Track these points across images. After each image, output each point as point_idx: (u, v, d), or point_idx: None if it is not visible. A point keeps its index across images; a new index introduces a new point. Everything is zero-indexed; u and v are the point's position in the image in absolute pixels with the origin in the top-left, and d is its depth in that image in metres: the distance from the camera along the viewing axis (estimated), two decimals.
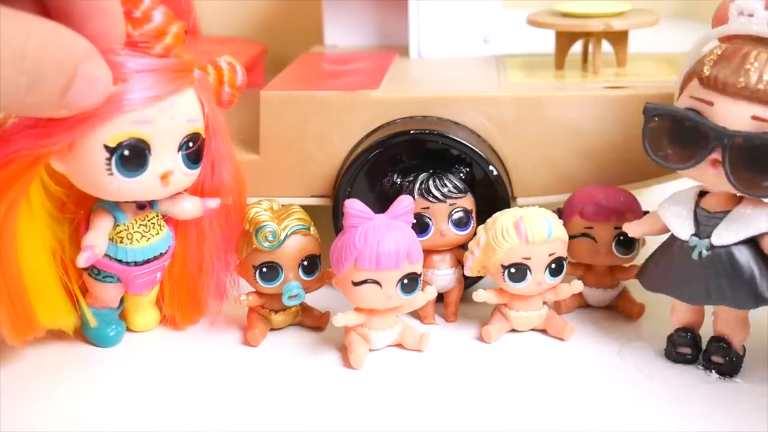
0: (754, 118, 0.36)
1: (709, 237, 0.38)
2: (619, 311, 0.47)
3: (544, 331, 0.45)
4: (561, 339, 0.44)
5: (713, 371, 0.40)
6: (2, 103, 0.33)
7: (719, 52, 0.37)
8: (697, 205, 0.40)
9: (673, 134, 0.39)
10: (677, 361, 0.41)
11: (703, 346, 0.41)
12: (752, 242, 0.38)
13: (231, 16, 0.78)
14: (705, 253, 0.39)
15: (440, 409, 0.39)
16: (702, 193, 0.40)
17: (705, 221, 0.39)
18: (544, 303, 0.44)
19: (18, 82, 0.32)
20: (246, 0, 0.78)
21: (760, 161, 0.36)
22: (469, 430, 0.37)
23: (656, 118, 0.39)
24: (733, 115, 0.36)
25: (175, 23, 0.39)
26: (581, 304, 0.48)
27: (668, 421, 0.37)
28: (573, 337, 0.44)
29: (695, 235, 0.39)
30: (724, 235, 0.38)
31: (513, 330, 0.45)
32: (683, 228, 0.39)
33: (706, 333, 0.41)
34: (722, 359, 0.40)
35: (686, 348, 0.41)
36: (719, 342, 0.40)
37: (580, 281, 0.45)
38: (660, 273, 0.41)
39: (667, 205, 0.41)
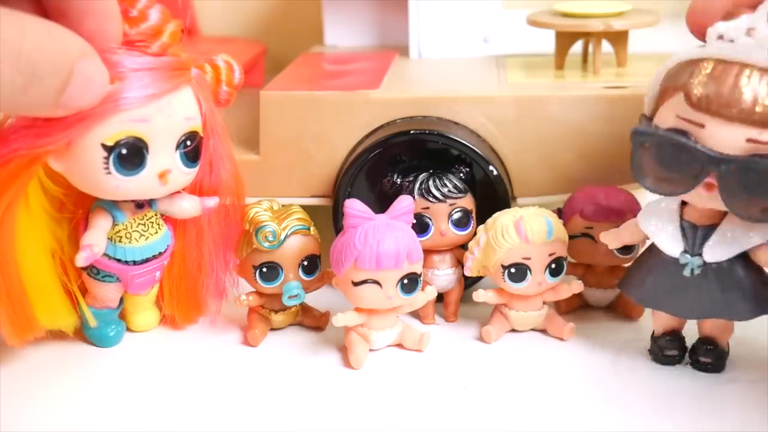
0: (749, 140, 0.34)
1: (699, 254, 0.38)
2: (619, 311, 0.47)
3: (544, 331, 0.45)
4: (561, 339, 0.44)
5: (702, 370, 0.41)
6: None
7: (708, 72, 0.35)
8: (681, 218, 0.39)
9: (663, 158, 0.37)
10: (664, 363, 0.41)
11: (688, 343, 0.41)
12: (743, 255, 0.38)
13: (231, 16, 0.78)
14: (697, 270, 0.38)
15: (440, 409, 0.38)
16: (683, 202, 0.39)
17: (692, 236, 0.38)
18: (544, 303, 0.44)
19: (13, 82, 0.32)
20: (246, 0, 0.78)
21: (757, 186, 0.35)
22: (469, 430, 0.37)
23: (646, 144, 0.37)
24: (727, 138, 0.35)
25: (172, 22, 0.39)
26: (581, 304, 0.47)
27: (669, 421, 0.37)
28: (573, 337, 0.44)
29: (685, 252, 0.38)
30: (718, 252, 0.38)
31: (513, 330, 0.45)
32: (672, 245, 0.39)
33: (690, 330, 0.42)
34: (710, 359, 0.40)
35: (673, 350, 0.41)
36: (706, 345, 0.41)
37: (580, 281, 0.45)
38: (651, 289, 0.40)
39: (648, 218, 0.39)
